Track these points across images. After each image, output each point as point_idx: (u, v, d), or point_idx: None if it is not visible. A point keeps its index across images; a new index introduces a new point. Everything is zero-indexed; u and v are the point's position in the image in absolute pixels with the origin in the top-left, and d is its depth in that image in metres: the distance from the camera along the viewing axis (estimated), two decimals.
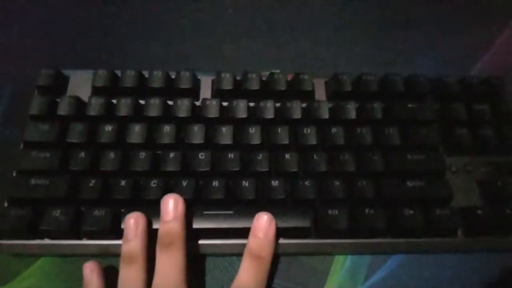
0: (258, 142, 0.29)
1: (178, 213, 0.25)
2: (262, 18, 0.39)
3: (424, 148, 0.31)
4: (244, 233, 0.27)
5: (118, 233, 0.26)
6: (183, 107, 0.30)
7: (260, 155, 0.29)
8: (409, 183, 0.29)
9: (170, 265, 0.25)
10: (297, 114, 0.31)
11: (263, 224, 0.26)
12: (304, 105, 0.32)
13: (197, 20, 0.39)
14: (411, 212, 0.28)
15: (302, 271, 0.29)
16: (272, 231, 0.26)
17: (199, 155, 0.29)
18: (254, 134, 0.30)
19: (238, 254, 0.27)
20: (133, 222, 0.25)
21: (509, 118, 0.32)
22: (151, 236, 0.25)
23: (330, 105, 0.32)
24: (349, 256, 0.30)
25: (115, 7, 0.38)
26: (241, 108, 0.30)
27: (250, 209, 0.27)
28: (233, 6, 0.40)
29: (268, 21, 0.39)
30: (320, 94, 0.33)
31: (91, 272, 0.25)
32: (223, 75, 0.32)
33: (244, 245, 0.27)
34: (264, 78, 0.32)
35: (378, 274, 0.30)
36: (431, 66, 0.38)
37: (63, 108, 0.29)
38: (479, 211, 0.29)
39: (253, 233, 0.26)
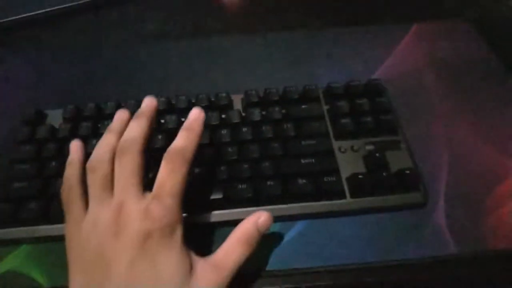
0: None
1: (151, 104, 0.34)
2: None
3: (316, 136, 0.39)
4: None
5: None
6: None
7: None
8: (302, 161, 0.37)
9: (136, 125, 0.32)
10: (216, 121, 0.40)
11: (194, 111, 0.33)
12: (223, 115, 0.41)
13: (144, 66, 0.50)
14: (303, 181, 0.36)
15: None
16: (201, 115, 0.32)
17: None
18: None
19: None
20: (121, 114, 0.34)
21: (384, 108, 0.41)
22: None
23: (243, 113, 0.41)
24: None
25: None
26: (173, 121, 0.40)
27: None
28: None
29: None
30: (238, 107, 0.43)
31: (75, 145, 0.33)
32: (160, 99, 0.42)
33: None
34: (193, 100, 0.43)
35: (286, 237, 0.37)
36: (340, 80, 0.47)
37: (40, 133, 0.40)
38: (360, 176, 0.37)
39: (187, 118, 0.32)
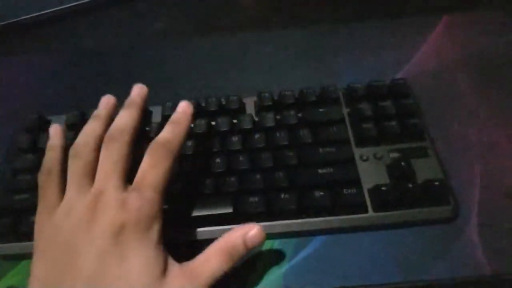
0: (190, 153, 0.36)
1: (141, 92, 0.34)
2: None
3: (336, 143, 0.36)
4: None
5: None
6: None
7: (196, 161, 0.36)
8: (320, 171, 0.34)
9: (125, 114, 0.31)
10: (226, 127, 0.37)
11: (181, 104, 0.33)
12: (234, 120, 0.38)
13: (150, 68, 0.48)
14: (321, 193, 0.33)
15: None
16: (189, 109, 0.32)
17: None
18: (189, 146, 0.37)
19: None
20: (106, 99, 0.34)
21: (410, 111, 0.37)
22: None
23: (256, 118, 0.38)
24: (276, 241, 0.34)
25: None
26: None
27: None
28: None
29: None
30: (251, 110, 0.40)
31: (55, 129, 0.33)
32: (166, 104, 0.39)
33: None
34: (203, 104, 0.40)
35: (302, 253, 0.34)
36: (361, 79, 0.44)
37: (42, 142, 0.38)
38: (384, 187, 0.33)
39: (175, 112, 0.32)
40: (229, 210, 0.33)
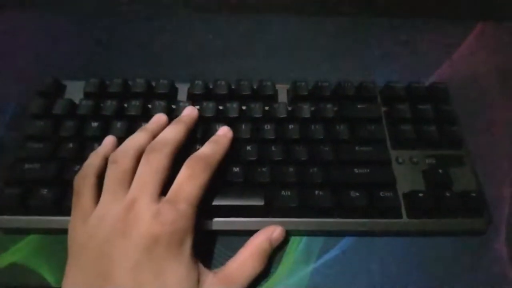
0: None
1: (193, 114, 0.34)
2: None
3: (372, 142, 0.35)
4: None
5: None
6: (159, 108, 0.35)
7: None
8: (356, 170, 0.33)
9: (171, 129, 0.31)
10: (259, 114, 0.35)
11: (222, 127, 0.33)
12: (266, 107, 0.36)
13: (176, 42, 0.45)
14: (357, 193, 0.32)
15: None
16: (230, 133, 0.33)
17: None
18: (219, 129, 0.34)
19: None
20: (157, 119, 0.33)
21: (449, 118, 0.36)
22: None
23: (290, 107, 0.36)
24: (304, 238, 0.33)
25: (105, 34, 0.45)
26: (210, 109, 0.35)
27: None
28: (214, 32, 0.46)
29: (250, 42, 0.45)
30: (283, 99, 0.38)
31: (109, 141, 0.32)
32: (196, 82, 0.37)
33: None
34: (233, 86, 0.37)
35: (329, 254, 0.32)
36: (389, 79, 0.42)
37: (57, 108, 0.35)
38: (421, 194, 0.32)
39: (217, 133, 0.33)
40: (261, 202, 0.31)
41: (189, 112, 0.34)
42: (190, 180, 0.28)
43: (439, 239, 0.33)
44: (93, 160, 0.30)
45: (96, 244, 0.26)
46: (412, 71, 0.43)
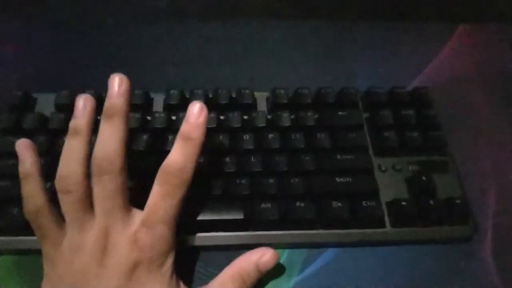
0: None
1: (122, 91, 0.26)
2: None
3: (354, 150, 0.34)
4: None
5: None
6: (133, 120, 0.34)
7: (203, 158, 0.32)
8: (338, 179, 0.32)
9: (110, 133, 0.25)
10: (237, 123, 0.34)
11: (194, 110, 0.26)
12: (246, 116, 0.35)
13: (149, 50, 0.44)
14: (339, 204, 0.31)
15: None
16: (202, 117, 0.26)
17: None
18: None
19: None
20: (82, 103, 0.26)
21: (432, 123, 0.35)
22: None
23: (269, 116, 0.35)
24: (286, 251, 0.32)
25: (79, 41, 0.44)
26: None
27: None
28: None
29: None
30: (262, 107, 0.37)
31: (25, 147, 0.27)
32: (171, 92, 0.36)
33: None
34: (211, 95, 0.36)
35: (312, 267, 0.31)
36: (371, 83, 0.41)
37: (28, 123, 0.33)
38: (404, 203, 0.31)
39: (185, 119, 0.26)
40: (240, 216, 0.30)
41: (118, 88, 0.26)
42: (165, 199, 0.26)
43: (424, 247, 0.32)
44: (32, 185, 0.26)
45: (74, 273, 0.25)
46: (395, 75, 0.42)
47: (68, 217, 0.26)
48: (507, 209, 0.34)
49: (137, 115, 0.34)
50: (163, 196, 0.26)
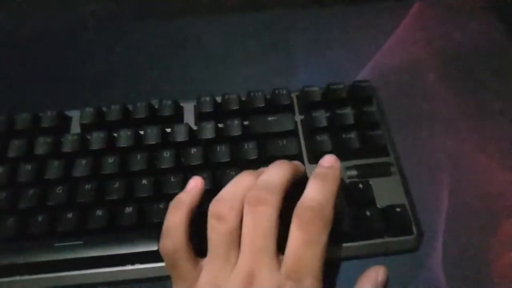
0: (113, 171, 0.30)
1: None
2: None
3: (286, 159, 0.31)
4: (96, 262, 0.27)
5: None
6: (44, 144, 0.31)
7: (117, 183, 0.30)
8: None
9: (278, 169, 0.26)
10: (155, 139, 0.31)
11: (328, 157, 0.27)
12: (168, 129, 0.32)
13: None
14: None
15: None
16: (337, 164, 0.27)
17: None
18: (111, 164, 0.30)
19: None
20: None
21: (372, 121, 0.32)
22: None
23: (196, 127, 0.33)
24: None
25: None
26: (100, 139, 0.31)
27: (102, 238, 0.28)
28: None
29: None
30: (189, 118, 0.34)
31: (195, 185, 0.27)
32: (87, 109, 0.33)
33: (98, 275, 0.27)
34: (131, 108, 0.34)
35: None
36: (315, 80, 0.38)
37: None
38: (339, 216, 0.28)
39: (319, 165, 0.27)
40: (154, 247, 0.27)
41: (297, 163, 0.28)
42: (309, 246, 0.23)
43: (370, 260, 0.30)
44: (178, 216, 0.25)
45: None
46: (342, 67, 0.39)
47: (212, 251, 0.24)
48: (459, 212, 0.31)
49: (49, 140, 0.31)
50: (305, 244, 0.23)
